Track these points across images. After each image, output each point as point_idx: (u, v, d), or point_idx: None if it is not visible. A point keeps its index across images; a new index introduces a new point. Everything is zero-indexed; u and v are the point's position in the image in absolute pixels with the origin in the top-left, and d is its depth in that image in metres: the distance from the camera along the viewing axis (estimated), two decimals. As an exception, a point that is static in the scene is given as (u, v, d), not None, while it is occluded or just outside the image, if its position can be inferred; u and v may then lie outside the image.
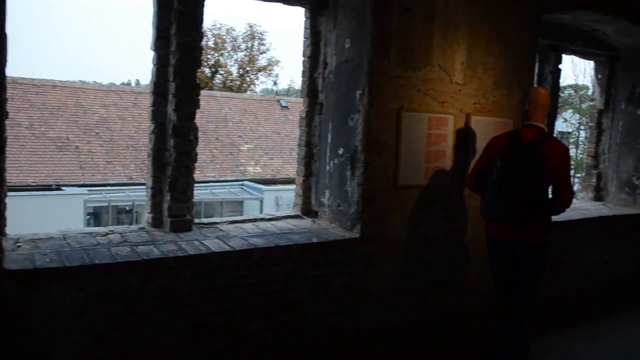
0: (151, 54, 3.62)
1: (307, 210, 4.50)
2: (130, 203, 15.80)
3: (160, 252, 3.28)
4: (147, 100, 3.81)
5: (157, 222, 3.75)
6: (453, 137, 4.39)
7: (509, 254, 3.69)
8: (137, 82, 47.86)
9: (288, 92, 42.43)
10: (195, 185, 3.82)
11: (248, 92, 32.40)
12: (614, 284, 6.05)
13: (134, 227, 3.77)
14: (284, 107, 22.75)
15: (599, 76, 6.57)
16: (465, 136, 4.46)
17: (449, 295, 4.61)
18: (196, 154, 3.75)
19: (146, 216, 3.81)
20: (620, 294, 5.96)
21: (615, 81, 6.51)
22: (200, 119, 3.72)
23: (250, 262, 3.53)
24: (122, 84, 37.24)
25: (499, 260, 3.79)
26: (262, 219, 4.31)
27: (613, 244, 6.04)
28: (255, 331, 3.63)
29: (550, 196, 3.71)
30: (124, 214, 16.33)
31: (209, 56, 33.10)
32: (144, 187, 3.96)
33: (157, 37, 3.58)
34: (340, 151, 4.14)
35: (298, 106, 4.57)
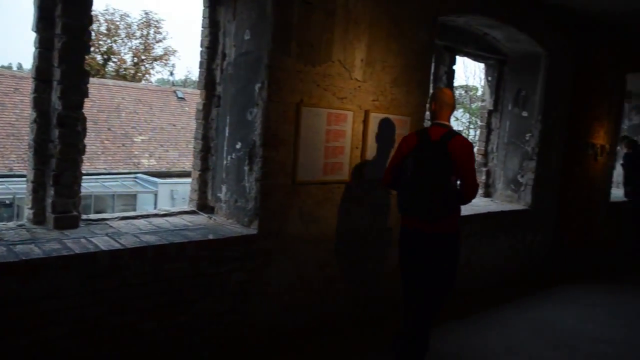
0: (33, 35, 3.34)
1: (204, 205, 4.36)
2: (11, 196, 14.73)
3: (42, 251, 3.03)
4: (30, 86, 3.51)
5: (39, 219, 3.47)
6: (351, 133, 4.42)
7: (424, 246, 3.87)
8: (20, 66, 44.67)
9: (185, 83, 41.40)
10: (85, 177, 3.59)
11: (143, 82, 31.24)
12: (501, 276, 6.37)
13: (11, 224, 3.47)
14: (181, 98, 22.12)
15: (489, 78, 6.87)
16: (364, 133, 4.50)
17: (350, 290, 4.65)
18: (84, 146, 3.51)
19: (27, 212, 3.52)
20: (505, 286, 6.29)
21: (503, 84, 6.84)
22: (90, 108, 3.50)
23: (142, 260, 3.35)
24: (2, 67, 34.74)
25: (413, 252, 3.93)
26: (155, 215, 4.12)
27: (500, 237, 6.34)
28: (148, 332, 3.46)
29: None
30: (2, 207, 15.22)
31: (100, 42, 31.60)
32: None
33: (40, 17, 3.29)
34: (238, 145, 4.04)
35: (195, 98, 4.42)
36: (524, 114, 6.70)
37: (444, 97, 3.97)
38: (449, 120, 3.97)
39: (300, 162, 4.08)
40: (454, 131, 3.93)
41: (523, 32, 6.08)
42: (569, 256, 7.39)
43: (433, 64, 5.79)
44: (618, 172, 9.29)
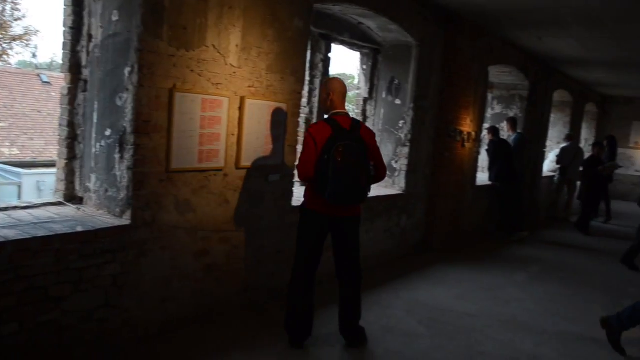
0: None
1: (71, 196, 4.12)
2: None
3: None
4: None
5: None
6: (227, 119, 4.35)
7: (344, 228, 4.18)
8: None
9: (51, 66, 38.77)
10: None
11: (1, 64, 28.86)
12: (377, 259, 6.58)
13: None
14: (46, 82, 20.60)
15: (364, 67, 7.04)
16: (240, 119, 4.45)
17: (230, 278, 4.59)
18: None
19: None
20: (382, 268, 6.51)
21: (378, 72, 7.05)
22: None
23: (0, 257, 3.10)
24: None
25: (321, 234, 4.19)
26: (15, 208, 3.83)
27: (376, 222, 6.55)
28: (9, 335, 3.21)
29: None
30: None
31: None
32: None
33: None
34: (108, 132, 3.84)
35: (62, 82, 4.13)
36: (397, 101, 6.95)
37: (340, 86, 4.15)
38: (344, 108, 4.17)
39: (174, 149, 3.96)
40: (357, 119, 4.19)
41: (395, 23, 6.28)
42: (440, 238, 7.80)
43: (309, 52, 5.85)
44: (483, 158, 9.92)
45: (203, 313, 4.44)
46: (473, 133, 8.32)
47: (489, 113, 10.93)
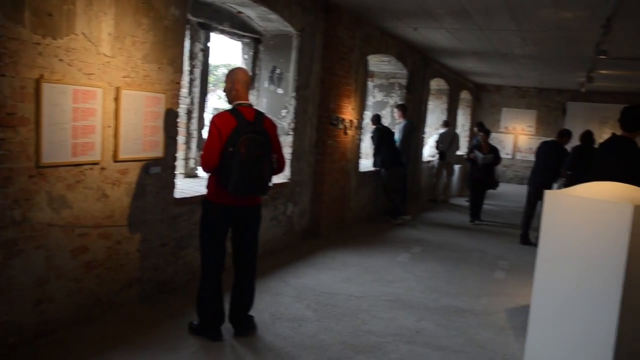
0: None
1: None
2: None
3: None
4: None
5: None
6: (102, 111, 4.19)
7: (248, 218, 4.29)
8: None
9: None
10: None
11: None
12: (266, 247, 6.62)
13: None
14: None
15: (245, 57, 7.02)
16: (116, 110, 4.29)
17: (111, 274, 4.44)
18: None
19: None
20: (271, 256, 6.57)
21: (259, 62, 7.05)
22: None
23: None
24: None
25: (234, 225, 4.27)
26: None
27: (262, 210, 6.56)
28: None
29: None
30: None
31: None
32: None
33: None
34: (-32, 127, 3.57)
35: None
36: (279, 91, 7.01)
37: (243, 76, 4.20)
38: (248, 99, 4.23)
39: (45, 143, 3.75)
40: (260, 111, 4.24)
41: (274, 12, 6.31)
42: (327, 224, 7.96)
43: (188, 41, 5.75)
44: (366, 145, 10.23)
45: (84, 313, 4.27)
46: (355, 121, 8.56)
47: (371, 101, 11.28)
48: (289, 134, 7.02)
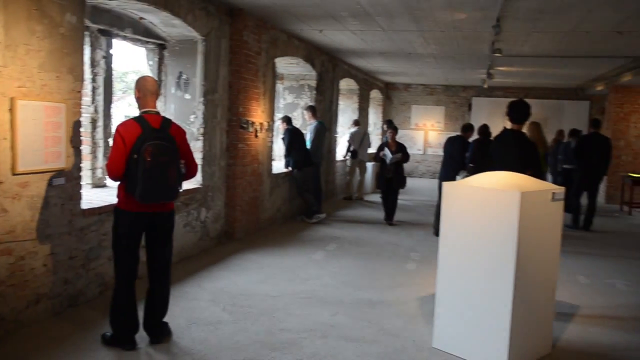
0: None
1: None
2: None
3: None
4: None
5: None
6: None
7: (160, 224, 4.28)
8: None
9: None
10: None
11: None
12: (179, 254, 6.58)
13: None
14: None
15: (150, 63, 6.95)
16: (12, 122, 4.16)
17: (17, 292, 4.29)
18: None
19: None
20: (186, 262, 6.53)
21: (165, 68, 6.99)
22: None
23: None
24: None
25: (147, 232, 4.27)
26: None
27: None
28: None
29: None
30: None
31: None
32: None
33: None
34: None
35: None
36: (187, 96, 6.98)
37: (147, 84, 4.21)
38: (156, 107, 4.25)
39: None
40: (168, 118, 4.29)
41: (177, 17, 6.28)
42: (242, 227, 8.00)
43: (89, 48, 5.64)
44: (279, 146, 10.32)
45: (-12, 332, 4.11)
46: (265, 123, 8.63)
47: (282, 103, 11.40)
48: (198, 139, 7.00)
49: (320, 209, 10.04)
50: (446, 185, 4.48)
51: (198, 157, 6.99)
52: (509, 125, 5.73)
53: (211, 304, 5.30)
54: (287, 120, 9.78)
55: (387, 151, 9.78)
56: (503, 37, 8.88)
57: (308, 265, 6.88)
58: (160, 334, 4.40)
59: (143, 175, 3.92)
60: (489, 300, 4.16)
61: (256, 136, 8.27)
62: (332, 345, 4.49)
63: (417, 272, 6.84)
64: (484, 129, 9.10)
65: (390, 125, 11.30)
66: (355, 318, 5.13)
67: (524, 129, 5.78)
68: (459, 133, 9.62)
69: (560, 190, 4.43)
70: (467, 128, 9.55)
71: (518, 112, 5.60)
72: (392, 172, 9.83)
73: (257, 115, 8.26)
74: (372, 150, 14.71)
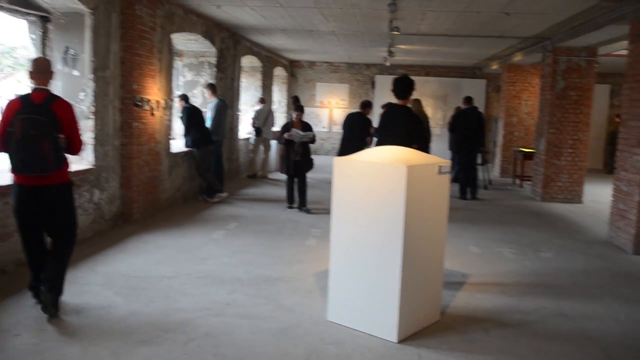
0: None
1: None
2: None
3: None
4: None
5: None
6: None
7: (44, 198, 4.35)
8: None
9: None
10: None
11: None
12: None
13: None
14: None
15: (33, 37, 6.55)
16: None
17: None
18: None
19: None
20: (79, 245, 6.29)
21: (49, 42, 6.62)
22: None
23: None
24: None
25: (35, 206, 4.36)
26: None
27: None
28: None
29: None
30: None
31: None
32: None
33: None
34: None
35: None
36: (75, 73, 6.66)
37: (36, 64, 4.39)
38: (47, 85, 4.41)
39: None
40: (55, 94, 4.42)
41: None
42: (139, 208, 7.78)
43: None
44: (178, 125, 10.09)
45: None
46: (162, 101, 8.40)
47: (181, 81, 11.13)
48: (89, 118, 6.71)
49: (222, 187, 9.94)
50: (336, 160, 4.55)
51: (89, 136, 6.71)
52: (395, 100, 5.96)
53: (104, 288, 5.14)
54: (184, 98, 9.56)
55: (294, 131, 9.04)
56: (400, 16, 9.07)
57: (207, 245, 6.81)
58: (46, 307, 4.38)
59: (14, 147, 4.14)
60: (378, 272, 4.29)
61: (152, 114, 8.03)
62: (228, 322, 4.49)
63: (317, 248, 6.93)
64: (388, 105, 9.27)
65: (296, 104, 10.56)
66: (252, 295, 5.14)
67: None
68: (357, 110, 9.76)
69: (446, 163, 4.61)
70: (366, 104, 9.71)
71: (402, 87, 5.80)
72: (300, 154, 9.08)
73: (153, 92, 8.02)
74: (277, 128, 14.69)
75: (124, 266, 5.80)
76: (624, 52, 12.47)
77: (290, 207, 9.41)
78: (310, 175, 9.47)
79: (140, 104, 7.60)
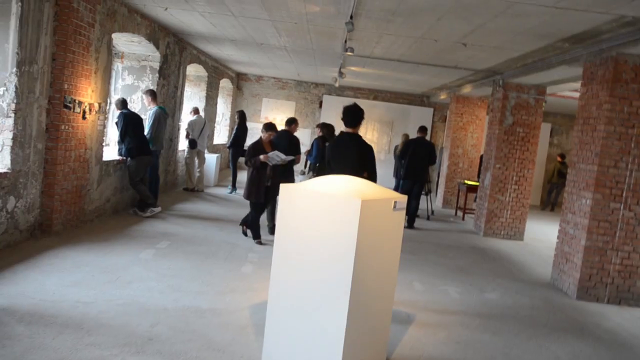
0: None
1: None
2: None
3: None
4: None
5: None
6: None
7: None
8: None
9: None
10: None
11: None
12: None
13: None
14: None
15: (-49, 21, 5.84)
16: None
17: None
18: None
19: None
20: None
21: (-30, 29, 5.92)
22: None
23: None
24: None
25: None
26: None
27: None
28: None
29: None
30: None
31: None
32: None
33: None
34: None
35: None
36: (-3, 65, 5.96)
37: None
38: None
39: None
40: None
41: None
42: (61, 219, 7.08)
43: None
44: (114, 131, 9.40)
45: None
46: (96, 104, 7.74)
47: (120, 84, 10.43)
48: (9, 117, 6.01)
49: (155, 201, 9.28)
50: (283, 187, 4.10)
51: (7, 137, 6.02)
52: (344, 129, 5.87)
53: (5, 314, 4.46)
54: (122, 103, 8.87)
55: (275, 153, 7.83)
56: (356, 36, 8.77)
57: (134, 265, 6.20)
58: None
59: None
60: (323, 312, 3.84)
61: (84, 118, 7.37)
62: (147, 363, 3.93)
63: (253, 276, 6.42)
64: (329, 128, 8.94)
65: (268, 124, 8.66)
66: (178, 330, 4.59)
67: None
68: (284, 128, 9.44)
69: (402, 199, 4.24)
70: (292, 121, 9.54)
71: (352, 116, 5.81)
72: (275, 176, 7.93)
73: (87, 94, 7.36)
74: (221, 141, 14.15)
75: (33, 287, 5.13)
76: (567, 93, 12.74)
77: (260, 243, 8.02)
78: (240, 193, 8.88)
79: (70, 105, 6.93)
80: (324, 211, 3.85)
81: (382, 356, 4.35)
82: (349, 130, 5.84)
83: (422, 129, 11.83)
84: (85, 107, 7.35)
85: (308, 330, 3.92)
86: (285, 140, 8.77)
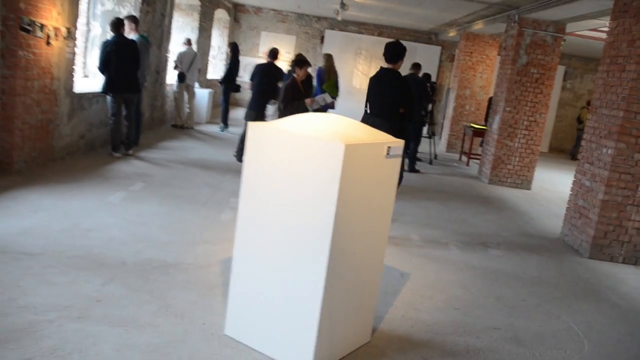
0: None
1: None
2: None
3: None
4: None
5: None
6: None
7: None
8: None
9: None
10: None
11: None
12: None
13: None
14: None
15: None
16: None
17: None
18: None
19: None
20: None
21: None
22: None
23: None
24: None
25: None
26: None
27: None
28: None
29: None
30: None
31: None
32: None
33: None
34: None
35: None
36: None
37: None
38: None
39: None
40: None
41: None
42: (24, 157, 6.40)
43: None
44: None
45: None
46: (64, 29, 6.91)
47: (99, 10, 9.52)
48: (-47, 38, 5.26)
49: (131, 142, 8.51)
50: (252, 126, 3.37)
51: (-49, 62, 5.27)
52: (376, 65, 5.34)
53: None
54: (112, 25, 7.66)
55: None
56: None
57: (98, 211, 5.55)
58: None
59: None
60: (296, 278, 3.19)
61: (48, 44, 6.56)
62: (88, 332, 3.29)
63: (232, 224, 5.64)
64: (301, 57, 7.89)
65: (300, 58, 7.82)
66: (134, 289, 3.96)
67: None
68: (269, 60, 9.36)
69: (398, 144, 3.52)
70: (276, 53, 9.51)
71: (393, 52, 6.00)
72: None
73: (50, 17, 6.52)
74: (216, 76, 13.34)
75: (-24, 234, 4.51)
76: (586, 32, 11.77)
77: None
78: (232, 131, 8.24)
79: (29, 28, 6.12)
80: (300, 157, 3.14)
81: (368, 329, 3.72)
82: (390, 66, 6.04)
83: (416, 66, 11.00)
84: (49, 31, 6.53)
85: (278, 300, 3.28)
86: (269, 74, 9.07)
